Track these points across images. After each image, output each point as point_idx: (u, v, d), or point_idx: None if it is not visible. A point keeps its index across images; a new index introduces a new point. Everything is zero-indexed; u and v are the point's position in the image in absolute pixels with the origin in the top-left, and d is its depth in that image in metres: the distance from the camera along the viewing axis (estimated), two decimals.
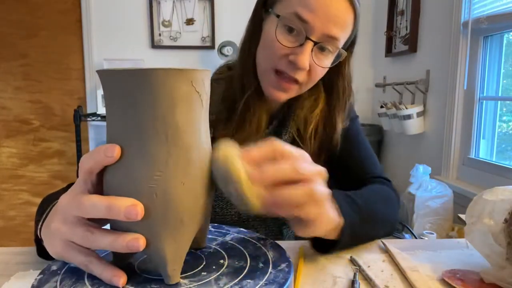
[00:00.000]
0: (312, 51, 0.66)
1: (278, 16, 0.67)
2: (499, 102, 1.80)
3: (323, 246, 0.57)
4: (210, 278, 0.41)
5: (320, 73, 0.71)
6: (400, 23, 2.41)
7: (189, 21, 2.69)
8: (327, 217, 0.46)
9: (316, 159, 0.72)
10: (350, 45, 0.74)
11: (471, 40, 1.79)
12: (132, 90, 0.37)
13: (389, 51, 2.55)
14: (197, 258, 0.46)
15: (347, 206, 0.55)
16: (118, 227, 0.39)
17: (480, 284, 0.48)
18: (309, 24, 0.64)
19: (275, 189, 0.41)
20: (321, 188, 0.44)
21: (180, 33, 2.70)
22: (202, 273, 0.42)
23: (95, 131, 2.71)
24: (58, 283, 0.40)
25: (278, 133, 0.79)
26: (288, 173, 0.42)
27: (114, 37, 2.68)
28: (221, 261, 0.45)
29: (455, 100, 1.89)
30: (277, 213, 0.43)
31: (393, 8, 2.50)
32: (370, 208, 0.61)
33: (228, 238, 0.53)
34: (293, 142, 0.77)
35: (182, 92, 0.38)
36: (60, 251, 0.40)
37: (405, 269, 0.52)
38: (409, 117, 2.12)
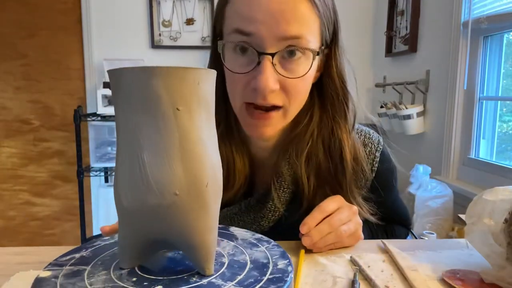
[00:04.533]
0: (274, 64, 0.53)
1: (223, 42, 0.56)
2: (499, 102, 1.80)
3: None
4: (210, 278, 0.41)
5: (299, 86, 0.57)
6: (400, 23, 2.41)
7: (189, 21, 2.69)
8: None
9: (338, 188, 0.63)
10: (332, 38, 0.61)
11: (471, 40, 1.79)
12: (140, 87, 0.37)
13: (389, 51, 2.55)
14: None
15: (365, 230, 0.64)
16: None
17: (480, 284, 0.48)
18: (256, 36, 0.52)
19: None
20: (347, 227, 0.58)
21: (180, 33, 2.70)
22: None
23: (95, 131, 2.70)
24: (58, 285, 0.40)
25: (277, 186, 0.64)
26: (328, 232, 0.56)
27: (114, 37, 2.68)
28: (221, 260, 0.45)
29: (455, 100, 1.89)
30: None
31: (393, 8, 2.50)
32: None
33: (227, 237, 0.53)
34: (296, 182, 0.63)
35: (187, 91, 0.38)
36: None
37: (404, 269, 0.52)
38: (409, 117, 2.11)
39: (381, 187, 0.70)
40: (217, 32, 0.61)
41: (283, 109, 0.57)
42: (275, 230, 0.65)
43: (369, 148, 0.68)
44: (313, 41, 0.56)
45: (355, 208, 0.60)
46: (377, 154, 0.68)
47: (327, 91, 0.62)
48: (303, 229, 0.56)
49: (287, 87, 0.55)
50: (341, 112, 0.62)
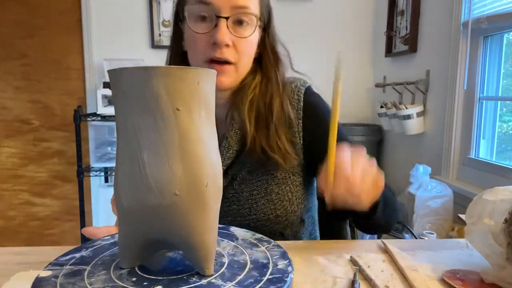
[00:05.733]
0: (228, 27, 0.70)
1: (186, 14, 0.72)
2: (499, 102, 1.80)
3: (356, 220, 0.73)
4: (210, 279, 0.41)
5: (246, 45, 0.73)
6: (400, 23, 2.41)
7: None
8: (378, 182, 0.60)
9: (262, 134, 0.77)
10: (267, 22, 0.79)
11: (471, 40, 1.79)
12: (140, 87, 0.37)
13: (389, 51, 2.55)
14: None
15: None
16: None
17: (480, 284, 0.48)
18: (214, 5, 0.69)
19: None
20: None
21: None
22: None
23: (95, 131, 2.70)
24: (58, 285, 0.40)
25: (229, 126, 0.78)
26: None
27: (114, 37, 2.68)
28: (221, 260, 0.45)
29: (455, 100, 1.89)
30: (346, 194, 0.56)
31: (393, 8, 2.50)
32: (389, 201, 0.71)
33: (228, 237, 0.53)
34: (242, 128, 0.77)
35: (187, 91, 0.38)
36: None
37: (404, 269, 0.52)
38: (409, 117, 2.12)
39: (317, 125, 0.78)
40: (179, 12, 0.77)
41: (235, 65, 0.73)
42: (235, 175, 0.79)
43: (294, 84, 0.81)
44: (255, 12, 0.73)
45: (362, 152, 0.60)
46: (302, 89, 0.80)
47: (264, 60, 0.80)
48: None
49: (237, 45, 0.72)
50: (272, 74, 0.79)
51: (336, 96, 0.56)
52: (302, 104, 0.79)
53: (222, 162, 0.73)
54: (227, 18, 0.70)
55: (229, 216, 0.78)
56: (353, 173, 0.56)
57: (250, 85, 0.78)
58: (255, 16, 0.73)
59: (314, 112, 0.79)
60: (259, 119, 0.77)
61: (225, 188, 0.77)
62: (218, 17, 0.69)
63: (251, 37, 0.74)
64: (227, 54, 0.71)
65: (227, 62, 0.72)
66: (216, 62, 0.71)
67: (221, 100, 0.79)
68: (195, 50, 0.73)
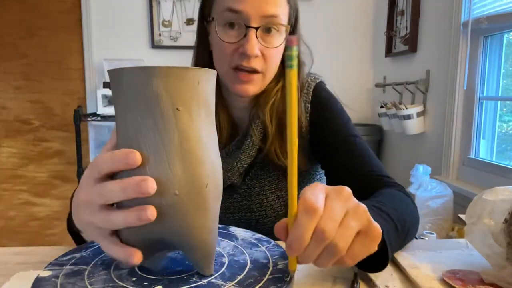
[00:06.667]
0: (257, 37, 0.68)
1: (213, 18, 0.70)
2: (499, 102, 1.80)
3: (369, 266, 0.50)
4: (210, 279, 0.41)
5: (275, 54, 0.72)
6: (400, 23, 2.41)
7: (189, 21, 2.69)
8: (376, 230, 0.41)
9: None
10: (294, 24, 0.76)
11: (471, 40, 1.79)
12: (140, 87, 0.37)
13: (389, 51, 2.55)
14: None
15: (377, 217, 0.46)
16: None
17: (480, 284, 0.48)
18: (244, 13, 0.67)
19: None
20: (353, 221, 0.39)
21: (180, 33, 2.70)
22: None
23: (95, 131, 2.71)
24: (58, 285, 0.40)
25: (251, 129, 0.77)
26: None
27: (114, 37, 2.68)
28: (221, 260, 0.45)
29: (455, 100, 1.89)
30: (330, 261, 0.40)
31: (393, 8, 2.50)
32: (402, 218, 0.56)
33: (227, 238, 0.53)
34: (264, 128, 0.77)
35: (187, 91, 0.38)
36: (93, 238, 0.42)
37: (405, 267, 0.52)
38: (409, 117, 2.12)
39: (325, 119, 0.77)
40: (205, 13, 0.75)
41: (262, 73, 0.71)
42: (249, 171, 0.79)
43: (305, 79, 0.80)
44: (285, 20, 0.71)
45: (343, 189, 0.41)
46: (312, 84, 0.80)
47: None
48: (290, 252, 0.39)
49: (266, 55, 0.70)
50: None
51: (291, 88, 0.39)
52: (310, 97, 0.78)
53: (245, 159, 0.77)
54: (256, 28, 0.68)
55: (240, 211, 0.78)
56: (324, 220, 0.38)
57: (273, 89, 0.77)
58: (284, 26, 0.71)
59: (322, 105, 0.78)
60: (278, 123, 0.77)
61: (238, 184, 0.79)
62: (248, 27, 0.67)
63: (280, 45, 0.72)
64: (255, 63, 0.69)
65: (254, 71, 0.70)
66: (243, 70, 0.70)
67: (244, 103, 0.79)
68: (222, 56, 0.71)
